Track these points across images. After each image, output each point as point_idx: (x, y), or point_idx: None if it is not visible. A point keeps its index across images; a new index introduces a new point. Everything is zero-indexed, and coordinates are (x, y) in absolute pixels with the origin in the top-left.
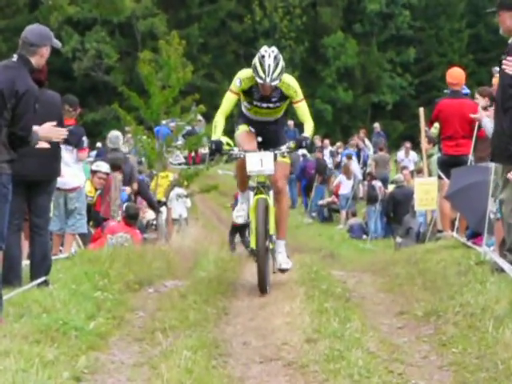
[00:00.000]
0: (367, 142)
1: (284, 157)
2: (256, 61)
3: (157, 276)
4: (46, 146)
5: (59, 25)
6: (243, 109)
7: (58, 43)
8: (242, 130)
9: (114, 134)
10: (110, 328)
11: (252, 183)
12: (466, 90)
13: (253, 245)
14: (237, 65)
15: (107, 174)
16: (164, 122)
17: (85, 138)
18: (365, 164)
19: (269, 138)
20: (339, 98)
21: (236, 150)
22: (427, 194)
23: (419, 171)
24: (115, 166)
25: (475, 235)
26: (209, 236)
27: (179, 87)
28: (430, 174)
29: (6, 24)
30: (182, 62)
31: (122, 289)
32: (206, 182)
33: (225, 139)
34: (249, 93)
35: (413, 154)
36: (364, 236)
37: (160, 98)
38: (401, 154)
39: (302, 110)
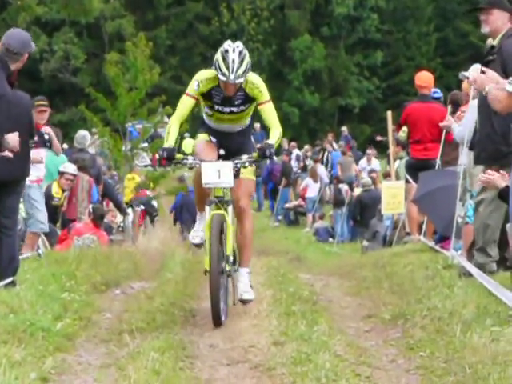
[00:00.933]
0: (335, 145)
1: (246, 168)
2: (218, 56)
3: (124, 277)
4: (9, 155)
5: (27, 25)
6: (204, 116)
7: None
8: (201, 138)
9: (81, 133)
10: (77, 329)
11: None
12: (439, 94)
13: (206, 265)
14: (204, 67)
15: (74, 175)
16: (131, 123)
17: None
18: (332, 167)
19: (233, 150)
20: (306, 101)
21: (190, 158)
22: (394, 197)
23: (386, 175)
24: (82, 167)
25: (443, 239)
26: (175, 238)
27: (146, 89)
28: (397, 178)
29: None
30: (149, 63)
31: (88, 290)
32: (172, 183)
33: (191, 143)
34: (208, 96)
35: (375, 163)
36: (330, 239)
37: (127, 100)
38: (363, 162)
39: (268, 112)
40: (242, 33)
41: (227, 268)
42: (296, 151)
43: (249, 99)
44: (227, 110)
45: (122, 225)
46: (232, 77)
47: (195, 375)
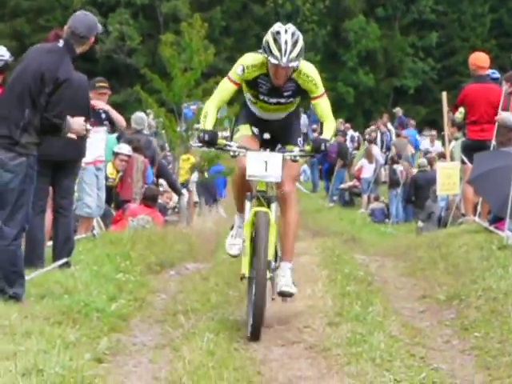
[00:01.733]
0: (390, 126)
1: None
2: (269, 38)
3: (178, 258)
4: (74, 137)
5: (82, 6)
6: (247, 101)
7: (100, 28)
8: (243, 132)
9: (139, 115)
10: (132, 310)
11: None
12: (497, 75)
13: (244, 270)
14: (258, 48)
15: (129, 156)
16: (186, 104)
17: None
18: (387, 148)
19: (279, 134)
20: (361, 81)
21: (234, 145)
22: (449, 178)
23: (442, 156)
24: (137, 148)
25: (497, 219)
26: (230, 218)
27: (201, 69)
28: (451, 159)
29: (29, 5)
30: (204, 44)
31: (143, 271)
32: (227, 164)
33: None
34: (254, 84)
35: (437, 144)
36: (386, 220)
37: (182, 81)
38: (425, 142)
39: (323, 106)
40: (297, 14)
41: (268, 275)
42: (351, 132)
43: (300, 91)
44: (273, 100)
45: (177, 205)
46: (284, 60)
47: (250, 356)
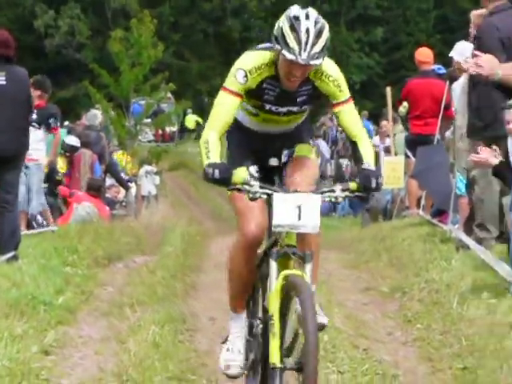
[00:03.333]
0: (336, 121)
1: (305, 146)
2: (284, 23)
3: (126, 251)
4: None
5: (33, 1)
6: (241, 116)
7: None
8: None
9: (93, 112)
10: (79, 303)
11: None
12: (442, 70)
13: (275, 359)
14: (205, 43)
15: (76, 147)
16: (135, 99)
17: (52, 120)
18: (333, 143)
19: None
20: None
21: (255, 184)
22: (394, 172)
23: (386, 150)
24: (85, 143)
25: (440, 213)
26: (177, 213)
27: (149, 65)
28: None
29: None
30: (153, 40)
31: (90, 264)
32: (174, 159)
33: (193, 118)
34: (259, 92)
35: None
36: (332, 213)
37: (130, 76)
38: (376, 139)
39: (350, 115)
40: (244, 9)
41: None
42: None
43: (317, 96)
44: (283, 110)
45: (124, 200)
46: (304, 55)
47: (194, 348)
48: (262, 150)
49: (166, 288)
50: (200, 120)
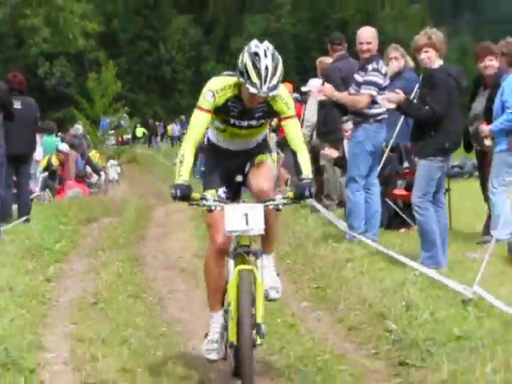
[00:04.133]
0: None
1: (265, 156)
2: (247, 60)
3: (99, 215)
4: None
5: (36, 56)
6: (212, 134)
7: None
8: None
9: (77, 126)
10: (69, 248)
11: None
12: (299, 98)
13: (232, 337)
14: (148, 82)
15: (66, 151)
16: (103, 118)
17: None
18: None
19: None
20: None
21: (210, 198)
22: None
23: None
24: (72, 146)
25: None
26: (132, 191)
27: (112, 96)
28: None
29: None
30: (115, 80)
31: (76, 223)
32: (129, 156)
33: (141, 130)
34: (224, 109)
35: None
36: None
37: (100, 103)
38: None
39: (294, 129)
40: (173, 60)
41: (258, 340)
42: None
43: (271, 113)
44: (245, 123)
45: (97, 182)
46: (265, 88)
47: (145, 276)
48: (230, 167)
49: (125, 239)
50: (145, 131)
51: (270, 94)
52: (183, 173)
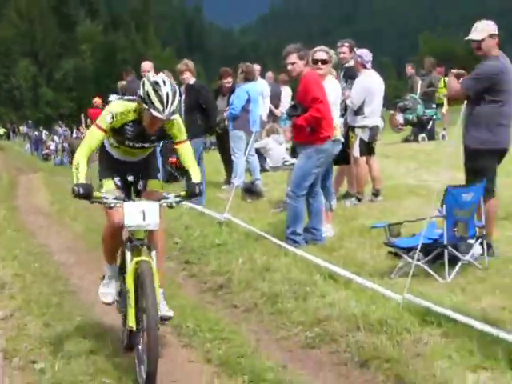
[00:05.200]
0: None
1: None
2: (149, 88)
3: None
4: None
5: None
6: (107, 146)
7: None
8: (107, 187)
9: None
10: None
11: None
12: None
13: (132, 323)
14: (5, 100)
15: None
16: None
17: None
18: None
19: (140, 173)
20: None
21: (110, 197)
22: None
23: None
24: None
25: None
26: (3, 168)
27: None
28: None
29: None
30: None
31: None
32: None
33: None
34: (120, 131)
35: None
36: None
37: None
38: None
39: (187, 151)
40: (20, 86)
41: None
42: None
43: (165, 136)
44: (139, 145)
45: None
46: (167, 112)
47: (21, 218)
48: (122, 170)
49: (5, 196)
50: (5, 130)
51: (171, 118)
52: (80, 177)
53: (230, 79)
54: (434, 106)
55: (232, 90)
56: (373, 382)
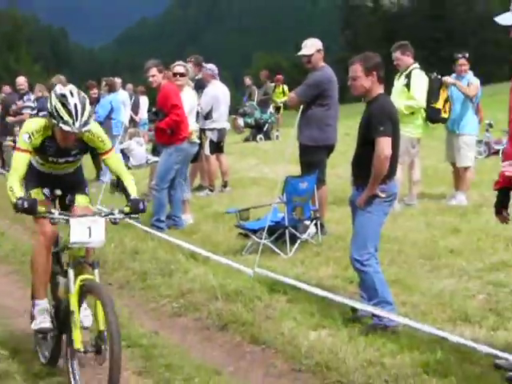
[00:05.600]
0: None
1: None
2: (56, 102)
3: None
4: None
5: None
6: (34, 163)
7: None
8: (36, 197)
9: None
10: None
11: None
12: None
13: (78, 345)
14: None
15: None
16: None
17: None
18: None
19: (68, 187)
20: None
21: (56, 212)
22: None
23: None
24: None
25: None
26: None
27: None
28: None
29: None
30: None
31: None
32: None
33: None
34: (41, 149)
35: None
36: None
37: None
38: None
39: (115, 160)
40: None
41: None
42: None
43: (87, 149)
44: (62, 160)
45: None
46: (77, 125)
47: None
48: (50, 183)
49: None
50: None
51: (83, 130)
52: (18, 193)
53: (95, 90)
54: (270, 111)
55: (97, 100)
56: (232, 343)
